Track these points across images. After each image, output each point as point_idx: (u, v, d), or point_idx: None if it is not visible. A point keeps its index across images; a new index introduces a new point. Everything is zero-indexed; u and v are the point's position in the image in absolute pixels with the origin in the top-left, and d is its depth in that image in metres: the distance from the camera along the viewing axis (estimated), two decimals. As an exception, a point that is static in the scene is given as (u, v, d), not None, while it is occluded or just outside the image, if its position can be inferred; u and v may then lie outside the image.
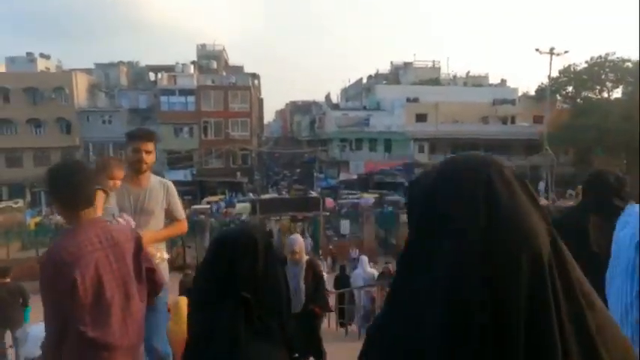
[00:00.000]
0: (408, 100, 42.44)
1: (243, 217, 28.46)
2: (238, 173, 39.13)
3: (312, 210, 22.89)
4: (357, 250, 21.79)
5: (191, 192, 37.91)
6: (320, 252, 21.33)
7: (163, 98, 38.73)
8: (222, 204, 33.50)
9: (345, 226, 24.02)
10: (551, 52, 32.36)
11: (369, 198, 31.24)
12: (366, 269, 8.98)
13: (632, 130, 31.95)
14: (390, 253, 23.44)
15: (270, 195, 33.97)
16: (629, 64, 37.42)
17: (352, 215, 25.48)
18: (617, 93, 39.38)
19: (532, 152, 39.98)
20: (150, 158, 2.99)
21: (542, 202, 29.17)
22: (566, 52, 32.40)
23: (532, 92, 47.21)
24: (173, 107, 38.84)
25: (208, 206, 30.83)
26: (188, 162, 38.55)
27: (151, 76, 48.25)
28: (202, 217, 27.42)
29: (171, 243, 21.89)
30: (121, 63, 45.24)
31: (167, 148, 38.52)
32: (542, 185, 33.74)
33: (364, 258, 9.36)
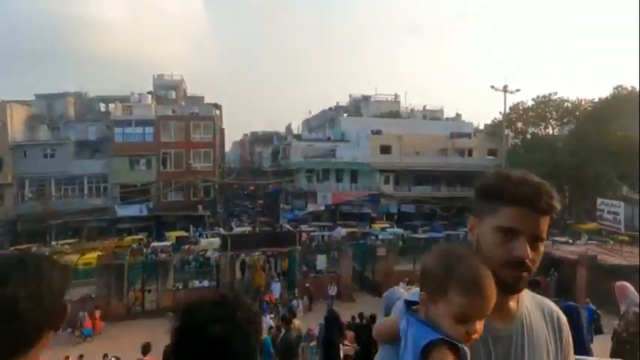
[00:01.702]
0: (372, 132, 43.03)
1: (208, 253, 26.46)
2: (200, 206, 36.88)
3: (287, 245, 21.57)
4: (335, 287, 20.71)
5: (147, 228, 35.11)
6: (296, 290, 19.90)
7: (118, 129, 36.11)
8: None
9: (321, 261, 22.82)
10: (505, 89, 34.50)
11: (341, 230, 30.44)
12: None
13: (578, 165, 34.52)
14: (367, 289, 22.53)
15: (242, 229, 32.17)
16: (569, 104, 41.01)
17: (329, 249, 24.35)
18: (564, 130, 42.68)
19: (488, 184, 41.48)
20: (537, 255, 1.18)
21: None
22: (517, 90, 34.72)
23: (484, 127, 50.14)
24: (129, 138, 36.31)
25: (169, 243, 28.39)
26: (144, 196, 35.82)
27: (102, 107, 45.44)
28: (163, 255, 25.16)
29: (127, 285, 19.61)
30: (67, 94, 41.98)
31: (120, 181, 35.73)
32: (500, 217, 34.98)
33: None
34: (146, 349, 7.64)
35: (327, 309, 8.17)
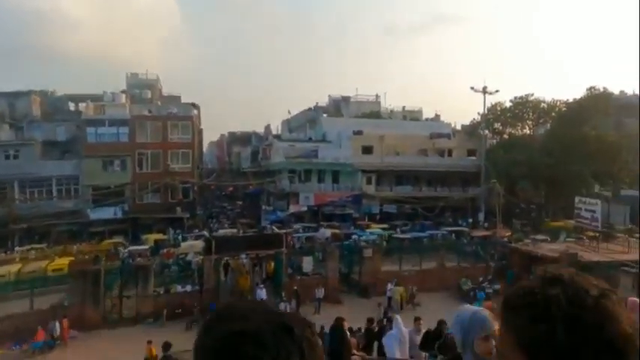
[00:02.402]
0: (354, 132, 42.98)
1: (189, 257, 25.53)
2: (178, 208, 35.69)
3: (272, 247, 21.04)
4: (323, 289, 20.31)
5: (122, 230, 33.64)
6: (283, 294, 19.37)
7: (90, 129, 34.33)
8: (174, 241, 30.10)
9: (307, 263, 22.38)
10: (484, 90, 35.23)
11: (325, 231, 30.07)
12: (402, 330, 7.50)
13: (554, 165, 35.56)
14: (354, 291, 22.26)
15: (226, 231, 31.25)
16: (545, 105, 42.13)
17: (315, 251, 23.92)
18: (540, 130, 43.77)
19: (469, 184, 42.49)
20: None
21: (483, 232, 30.28)
22: (496, 91, 35.53)
23: (460, 127, 51.01)
24: (102, 139, 34.61)
25: (147, 247, 27.23)
26: (118, 198, 34.30)
27: (71, 106, 43.33)
28: (140, 259, 24.08)
29: (104, 290, 18.51)
30: (31, 92, 39.45)
31: (93, 183, 34.00)
32: (481, 216, 35.69)
33: (398, 317, 7.90)
34: (167, 347, 8.28)
35: (335, 318, 7.61)
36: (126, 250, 26.36)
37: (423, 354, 5.74)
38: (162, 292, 19.79)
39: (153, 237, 30.33)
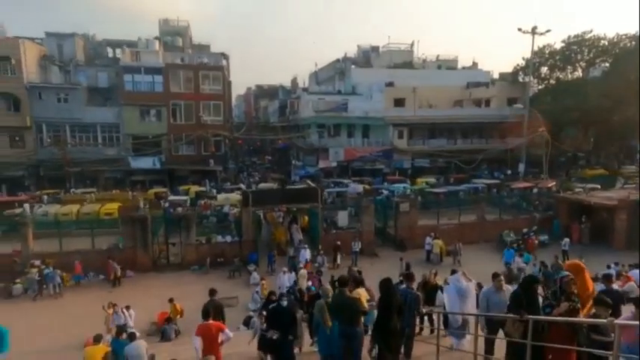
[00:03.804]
0: (385, 84, 41.40)
1: (225, 209, 26.21)
2: (211, 161, 36.24)
3: (309, 202, 21.19)
4: (359, 243, 20.59)
5: (160, 181, 34.72)
6: (320, 247, 19.77)
7: (127, 77, 34.36)
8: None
9: (342, 217, 22.54)
10: (534, 31, 32.29)
11: (357, 186, 30.00)
12: (462, 284, 7.43)
13: (611, 107, 33.02)
14: (389, 245, 22.44)
15: (268, 185, 31.78)
16: (605, 42, 37.92)
17: (351, 206, 24.00)
18: (592, 72, 39.85)
19: (508, 135, 40.57)
20: None
21: (525, 184, 29.32)
22: (548, 30, 32.38)
23: (499, 75, 47.72)
24: (138, 87, 34.66)
25: (186, 197, 28.06)
26: (155, 148, 35.01)
27: (110, 51, 43.30)
28: (180, 209, 24.91)
29: (151, 238, 19.45)
30: (76, 35, 39.24)
31: (132, 132, 34.74)
32: (521, 167, 34.30)
33: (460, 273, 7.74)
34: (213, 292, 8.34)
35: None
36: (167, 200, 27.27)
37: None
38: (203, 241, 20.53)
39: (194, 189, 31.23)
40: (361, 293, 6.53)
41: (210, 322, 6.38)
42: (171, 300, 13.02)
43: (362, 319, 6.09)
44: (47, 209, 24.21)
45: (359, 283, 6.68)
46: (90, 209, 23.86)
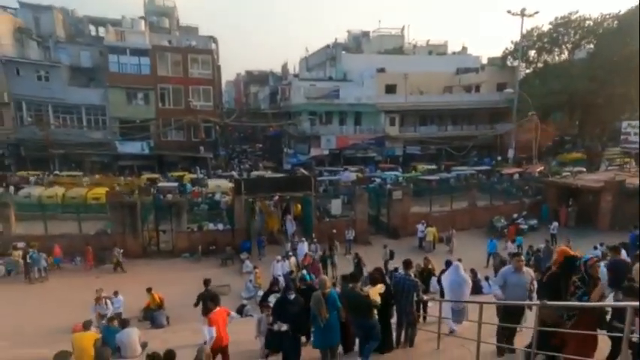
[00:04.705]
0: (377, 70, 40.96)
1: (217, 196, 25.80)
2: (201, 147, 35.59)
3: (302, 190, 20.93)
4: (353, 230, 20.49)
5: (149, 166, 34.02)
6: (313, 235, 19.58)
7: (112, 57, 33.12)
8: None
9: (336, 205, 22.36)
10: (522, 13, 32.09)
11: (349, 174, 29.82)
12: (461, 274, 7.32)
13: (595, 90, 32.68)
14: (382, 233, 22.36)
15: (261, 172, 31.35)
16: (590, 22, 37.54)
17: (344, 194, 23.80)
18: (577, 54, 39.54)
19: (498, 120, 40.72)
20: None
21: (514, 169, 29.53)
22: (536, 12, 32.23)
23: (487, 60, 47.39)
24: (124, 69, 33.49)
25: (176, 184, 27.52)
26: (143, 133, 34.14)
27: (92, 29, 41.63)
28: (170, 196, 24.45)
29: (141, 224, 19.02)
30: (54, 8, 37.01)
31: (118, 115, 33.74)
32: (511, 152, 34.39)
33: (459, 264, 7.60)
34: (207, 282, 8.67)
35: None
36: (156, 187, 26.73)
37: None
38: (195, 229, 20.19)
39: (189, 176, 30.75)
40: (374, 290, 6.47)
41: (219, 308, 6.48)
42: (149, 289, 12.68)
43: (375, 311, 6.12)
44: (30, 191, 23.42)
45: (376, 281, 6.65)
46: (76, 193, 23.20)
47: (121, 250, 17.31)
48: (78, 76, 34.36)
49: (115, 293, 12.40)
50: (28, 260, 15.86)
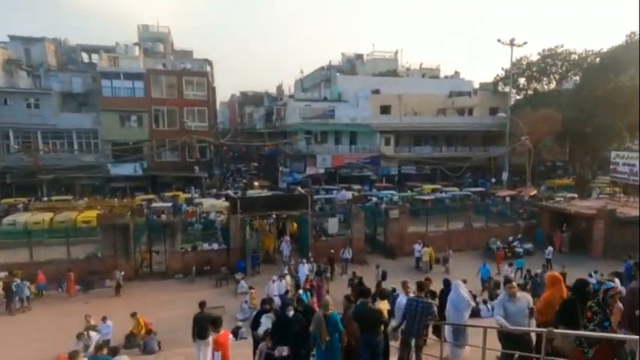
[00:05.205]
0: (372, 91, 41.63)
1: (211, 216, 25.50)
2: (196, 167, 35.42)
3: (298, 208, 20.73)
4: (350, 250, 20.23)
5: (142, 187, 33.68)
6: (310, 254, 19.28)
7: (105, 82, 33.40)
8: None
9: (332, 224, 22.14)
10: (512, 43, 33.18)
11: (345, 193, 29.68)
12: (464, 294, 7.01)
13: (584, 120, 33.98)
14: (378, 252, 22.08)
15: (255, 191, 31.09)
16: (575, 57, 39.61)
17: (340, 213, 23.62)
18: (564, 85, 41.22)
19: (490, 143, 41.37)
20: None
21: (509, 192, 29.67)
22: (525, 43, 33.46)
23: (479, 85, 48.75)
24: (118, 92, 33.72)
25: (170, 204, 27.19)
26: (137, 154, 33.98)
27: (85, 57, 42.32)
28: (164, 216, 24.11)
29: (133, 246, 18.61)
30: (45, 39, 38.19)
31: (111, 138, 33.68)
32: (505, 175, 34.79)
33: (460, 283, 7.28)
34: (202, 305, 8.45)
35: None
36: (149, 207, 26.36)
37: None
38: (189, 249, 19.81)
39: (183, 196, 30.39)
40: (382, 306, 6.33)
41: (220, 332, 6.29)
42: (133, 314, 12.18)
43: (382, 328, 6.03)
44: (15, 218, 22.86)
45: (384, 296, 6.52)
46: (65, 217, 22.67)
47: (122, 273, 16.83)
48: (69, 101, 34.68)
49: (104, 319, 11.89)
50: (13, 289, 15.16)
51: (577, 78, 40.11)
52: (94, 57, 39.29)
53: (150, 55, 41.29)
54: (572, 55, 39.60)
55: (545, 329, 4.45)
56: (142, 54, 39.82)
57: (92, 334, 10.93)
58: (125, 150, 33.47)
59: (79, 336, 10.65)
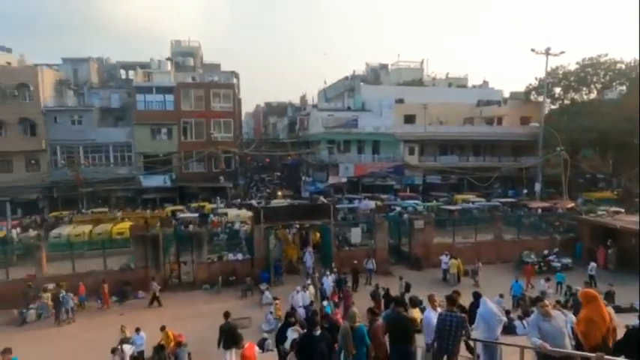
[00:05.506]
0: (395, 101, 41.47)
1: (236, 226, 25.97)
2: (221, 177, 36.26)
3: (321, 218, 20.86)
4: (373, 260, 20.11)
5: (171, 198, 34.75)
6: (333, 264, 19.32)
7: (139, 97, 35.06)
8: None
9: (355, 234, 22.11)
10: (547, 52, 32.38)
11: (368, 202, 29.60)
12: (494, 309, 6.86)
13: (630, 131, 32.47)
14: (403, 263, 21.84)
15: (279, 201, 31.56)
16: (622, 66, 38.07)
17: (363, 222, 23.57)
18: (608, 94, 39.80)
19: (521, 153, 40.32)
20: None
21: (542, 203, 28.56)
22: (562, 52, 32.54)
23: (509, 94, 47.68)
24: (150, 106, 35.28)
25: (196, 215, 27.90)
26: (166, 166, 35.21)
27: (122, 73, 44.56)
28: (191, 227, 24.78)
29: (163, 257, 19.22)
30: (90, 59, 41.15)
31: (143, 150, 35.12)
32: (537, 187, 33.74)
33: (486, 300, 7.12)
34: (227, 315, 9.07)
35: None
36: (177, 218, 27.14)
37: None
38: (215, 259, 20.22)
39: (209, 206, 31.22)
40: (415, 314, 6.36)
41: (247, 345, 6.63)
42: (162, 328, 12.28)
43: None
44: (60, 231, 24.08)
45: (415, 304, 6.58)
46: (102, 229, 23.78)
47: (159, 287, 17.32)
48: (107, 117, 36.78)
49: (137, 330, 12.25)
50: (61, 300, 15.92)
51: (623, 88, 38.45)
52: (131, 73, 41.33)
53: (181, 69, 42.96)
54: (618, 65, 38.25)
55: (594, 354, 4.20)
56: (174, 68, 41.51)
57: (126, 347, 11.24)
58: (155, 162, 34.76)
59: (114, 351, 10.95)
